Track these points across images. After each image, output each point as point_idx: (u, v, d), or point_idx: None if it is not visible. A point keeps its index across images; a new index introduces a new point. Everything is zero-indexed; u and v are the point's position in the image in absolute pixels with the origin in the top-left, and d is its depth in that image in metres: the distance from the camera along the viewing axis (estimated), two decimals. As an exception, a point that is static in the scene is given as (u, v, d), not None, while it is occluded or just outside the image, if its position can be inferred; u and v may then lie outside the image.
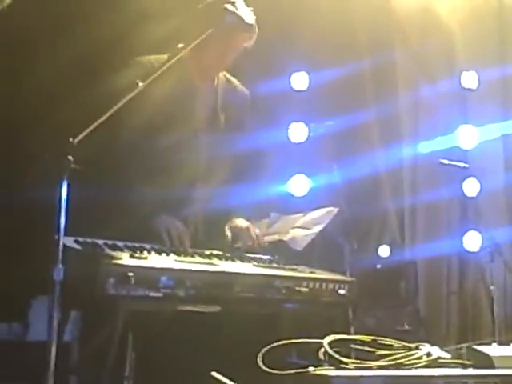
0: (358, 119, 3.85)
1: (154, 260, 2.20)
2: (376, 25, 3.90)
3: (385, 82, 3.98)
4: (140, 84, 2.29)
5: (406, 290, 3.67)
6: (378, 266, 3.60)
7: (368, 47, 4.00)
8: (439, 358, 2.32)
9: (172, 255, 2.29)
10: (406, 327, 3.16)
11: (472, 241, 3.81)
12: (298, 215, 2.86)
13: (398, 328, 3.12)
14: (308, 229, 2.77)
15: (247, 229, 2.68)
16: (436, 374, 2.17)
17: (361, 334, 2.40)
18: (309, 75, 3.98)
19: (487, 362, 2.30)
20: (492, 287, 3.44)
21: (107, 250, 2.13)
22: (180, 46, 2.64)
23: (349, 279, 2.68)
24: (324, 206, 2.88)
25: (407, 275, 3.69)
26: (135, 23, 3.11)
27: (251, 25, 2.75)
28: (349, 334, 2.33)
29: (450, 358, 2.36)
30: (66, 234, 2.12)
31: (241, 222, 2.71)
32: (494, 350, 2.34)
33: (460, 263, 3.73)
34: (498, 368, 2.27)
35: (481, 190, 3.80)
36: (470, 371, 2.26)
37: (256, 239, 2.68)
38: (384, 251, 3.75)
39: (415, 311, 3.52)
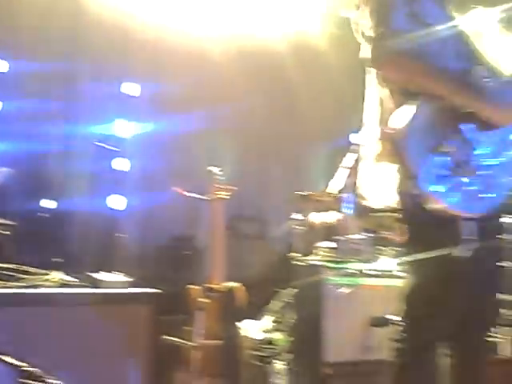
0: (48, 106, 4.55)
1: None
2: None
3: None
4: None
5: (66, 234, 4.49)
6: (43, 215, 4.32)
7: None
8: (62, 280, 2.82)
9: None
10: (60, 260, 3.89)
11: (118, 202, 4.82)
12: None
13: (55, 260, 3.83)
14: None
15: None
16: (55, 292, 2.69)
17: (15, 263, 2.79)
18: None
19: (96, 283, 2.89)
20: (123, 235, 4.46)
21: None
22: None
23: (11, 223, 3.19)
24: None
25: (66, 222, 4.52)
26: None
27: None
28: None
29: (74, 282, 2.83)
30: None
31: None
32: (101, 276, 2.92)
33: (106, 218, 4.68)
34: (101, 288, 2.84)
35: (130, 167, 4.85)
36: (80, 290, 2.78)
37: None
38: (49, 204, 4.48)
39: (66, 248, 4.33)
